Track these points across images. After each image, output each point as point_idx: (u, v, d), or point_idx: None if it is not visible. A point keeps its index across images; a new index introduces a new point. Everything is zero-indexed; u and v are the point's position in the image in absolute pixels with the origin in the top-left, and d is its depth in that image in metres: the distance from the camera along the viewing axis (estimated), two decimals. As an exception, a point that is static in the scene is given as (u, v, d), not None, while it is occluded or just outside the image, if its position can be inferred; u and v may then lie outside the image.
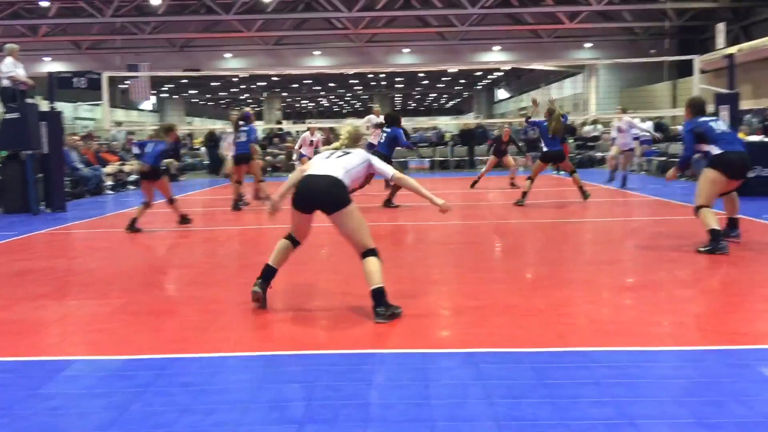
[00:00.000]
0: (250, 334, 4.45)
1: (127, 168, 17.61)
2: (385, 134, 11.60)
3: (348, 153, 5.02)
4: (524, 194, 11.37)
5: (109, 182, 16.60)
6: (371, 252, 4.70)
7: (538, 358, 3.84)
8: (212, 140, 21.60)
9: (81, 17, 28.71)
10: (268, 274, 4.99)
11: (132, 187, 16.91)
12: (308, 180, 4.80)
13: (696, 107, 7.14)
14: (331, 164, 4.86)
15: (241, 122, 11.87)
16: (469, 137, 24.03)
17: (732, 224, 7.29)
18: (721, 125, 7.04)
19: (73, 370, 3.85)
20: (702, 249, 6.75)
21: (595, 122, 25.42)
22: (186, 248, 8.35)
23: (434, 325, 4.67)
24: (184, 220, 9.79)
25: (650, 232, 8.61)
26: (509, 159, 15.46)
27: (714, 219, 6.75)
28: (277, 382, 3.59)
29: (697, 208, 6.86)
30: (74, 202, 13.78)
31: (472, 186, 14.72)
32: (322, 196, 4.72)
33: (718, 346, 4.04)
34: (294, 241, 5.01)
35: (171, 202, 9.68)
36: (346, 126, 5.35)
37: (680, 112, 22.87)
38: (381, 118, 13.34)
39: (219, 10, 27.66)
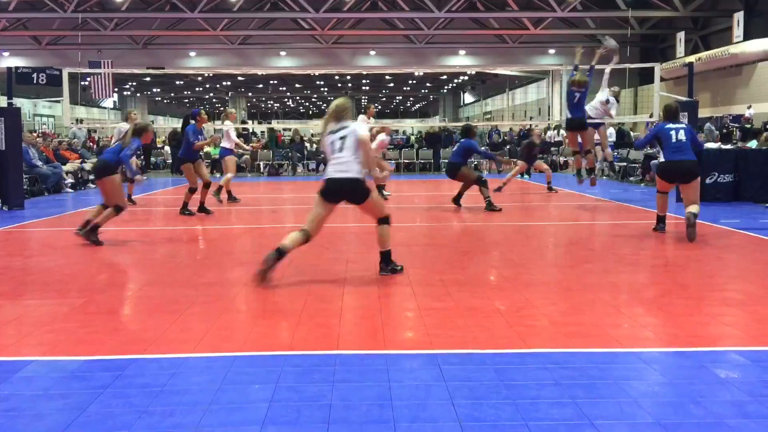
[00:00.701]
0: (211, 334, 4.40)
1: (88, 166, 17.28)
2: (458, 144, 12.16)
3: (344, 136, 5.78)
4: (578, 171, 11.91)
5: (68, 180, 16.28)
6: (385, 220, 6.02)
7: (500, 359, 3.88)
8: (175, 139, 21.36)
9: (42, 12, 28.18)
10: (282, 254, 5.66)
11: (92, 186, 16.59)
12: (334, 183, 5.79)
13: (667, 113, 8.13)
14: (344, 158, 5.73)
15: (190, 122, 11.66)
16: (434, 140, 24.21)
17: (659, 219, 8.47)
18: (681, 135, 7.75)
19: (29, 371, 3.77)
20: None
21: (558, 127, 25.75)
22: (147, 248, 8.23)
23: (397, 326, 4.68)
24: (86, 229, 8.10)
25: (610, 235, 8.76)
26: (542, 164, 15.42)
27: (660, 207, 8.34)
28: (239, 383, 3.56)
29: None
30: (32, 200, 13.50)
31: (498, 190, 14.15)
32: (350, 195, 5.87)
33: (675, 348, 4.13)
34: (308, 236, 5.79)
35: (104, 207, 8.21)
36: (335, 101, 6.03)
37: (641, 118, 23.33)
38: (372, 120, 13.85)
39: (184, 8, 27.38)
